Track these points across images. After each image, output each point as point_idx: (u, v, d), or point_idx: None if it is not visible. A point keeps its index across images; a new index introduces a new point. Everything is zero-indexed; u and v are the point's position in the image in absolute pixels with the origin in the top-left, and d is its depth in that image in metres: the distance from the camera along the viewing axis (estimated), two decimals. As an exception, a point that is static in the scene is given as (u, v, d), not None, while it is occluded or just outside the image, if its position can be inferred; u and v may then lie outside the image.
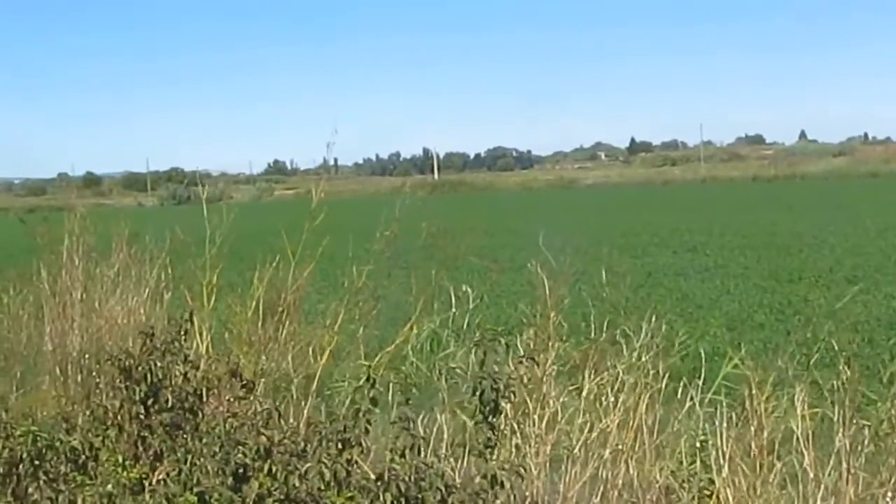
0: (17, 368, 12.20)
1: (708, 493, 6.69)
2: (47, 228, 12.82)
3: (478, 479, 5.47)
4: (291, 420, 7.93)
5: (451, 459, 6.73)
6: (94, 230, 12.62)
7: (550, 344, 7.56)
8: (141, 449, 6.57)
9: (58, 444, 6.04)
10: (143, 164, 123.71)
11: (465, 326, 11.45)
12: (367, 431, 5.40)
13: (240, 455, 5.27)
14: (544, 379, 7.35)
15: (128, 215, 14.93)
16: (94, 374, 9.89)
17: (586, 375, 7.57)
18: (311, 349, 9.94)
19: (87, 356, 11.10)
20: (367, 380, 5.49)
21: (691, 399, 7.43)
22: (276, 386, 9.20)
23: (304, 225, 10.23)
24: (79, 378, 11.06)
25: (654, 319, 7.67)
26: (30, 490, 6.15)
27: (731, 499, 6.52)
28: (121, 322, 11.52)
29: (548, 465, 7.13)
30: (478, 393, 5.71)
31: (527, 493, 6.72)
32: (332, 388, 9.74)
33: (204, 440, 5.88)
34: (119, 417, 6.63)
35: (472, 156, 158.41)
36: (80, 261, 12.13)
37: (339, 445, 5.18)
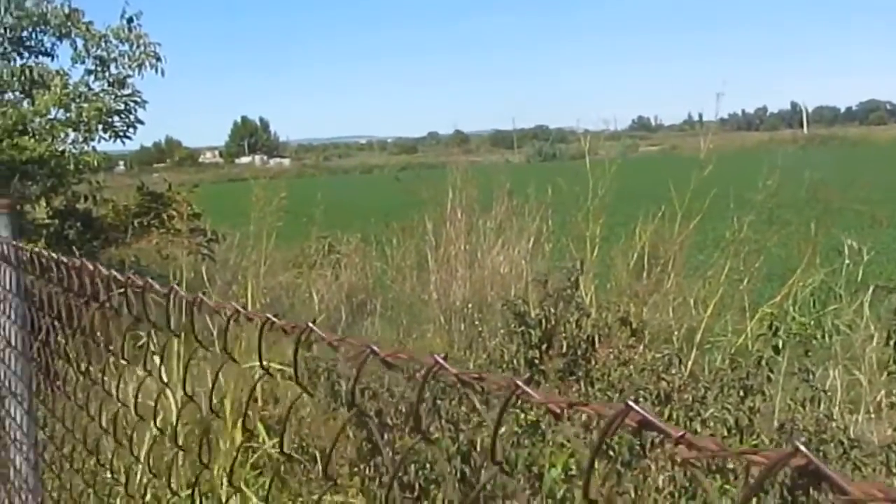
0: (402, 317, 12.75)
1: None
2: (431, 183, 13.31)
3: (890, 432, 5.31)
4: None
5: (845, 415, 6.54)
6: (476, 184, 12.99)
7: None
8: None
9: (458, 386, 6.26)
10: (509, 122, 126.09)
11: (853, 280, 11.00)
12: (769, 380, 5.35)
13: (640, 399, 5.34)
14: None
15: (498, 171, 15.25)
16: (476, 322, 10.22)
17: None
18: (692, 301, 9.91)
19: (469, 305, 11.45)
20: (770, 327, 5.44)
21: None
22: (656, 336, 9.20)
23: (676, 180, 10.18)
24: (462, 326, 11.41)
25: None
26: (431, 428, 6.45)
27: None
28: (503, 272, 11.82)
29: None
30: (892, 342, 5.51)
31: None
32: (711, 342, 9.63)
33: (596, 385, 5.99)
34: (514, 362, 6.86)
35: (842, 109, 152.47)
36: (462, 213, 12.51)
37: (741, 393, 5.16)
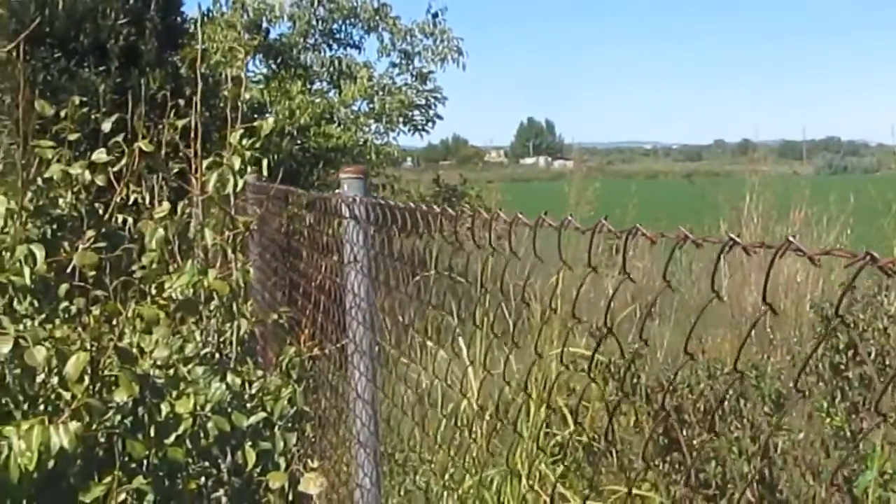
0: (691, 320, 12.67)
1: None
2: (725, 188, 13.28)
3: None
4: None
5: None
6: (773, 191, 12.87)
7: None
8: (839, 399, 6.64)
9: (763, 386, 6.28)
10: (798, 132, 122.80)
11: None
12: None
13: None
14: None
15: (786, 182, 15.03)
16: (768, 329, 10.07)
17: None
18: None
19: (761, 310, 11.28)
20: None
21: None
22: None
23: None
24: (752, 332, 11.23)
25: None
26: (730, 428, 6.44)
27: None
28: (798, 280, 11.59)
29: None
30: None
31: None
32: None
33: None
34: (819, 367, 6.74)
35: None
36: (759, 219, 12.39)
37: None
